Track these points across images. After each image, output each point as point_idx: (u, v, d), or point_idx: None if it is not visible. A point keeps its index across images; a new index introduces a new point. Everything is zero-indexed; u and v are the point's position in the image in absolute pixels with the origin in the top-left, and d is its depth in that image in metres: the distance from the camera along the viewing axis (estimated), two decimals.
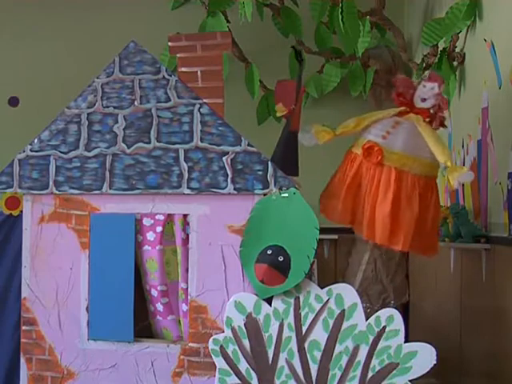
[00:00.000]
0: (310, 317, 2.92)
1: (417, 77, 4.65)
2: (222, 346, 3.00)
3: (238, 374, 2.98)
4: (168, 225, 3.20)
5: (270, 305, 2.96)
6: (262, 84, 5.52)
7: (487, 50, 3.84)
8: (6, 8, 5.93)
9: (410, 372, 2.80)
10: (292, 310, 2.94)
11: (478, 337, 3.91)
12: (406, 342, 2.83)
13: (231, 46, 3.49)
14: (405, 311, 5.10)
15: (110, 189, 3.14)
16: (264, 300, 2.97)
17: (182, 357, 3.10)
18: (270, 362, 2.95)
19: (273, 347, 2.95)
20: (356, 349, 2.86)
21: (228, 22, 5.22)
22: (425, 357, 2.79)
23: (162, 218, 3.18)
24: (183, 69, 3.21)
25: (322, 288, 2.94)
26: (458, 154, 4.36)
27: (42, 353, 3.21)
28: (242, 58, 5.48)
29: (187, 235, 3.16)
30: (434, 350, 2.79)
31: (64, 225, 3.21)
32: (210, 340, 3.02)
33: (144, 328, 3.28)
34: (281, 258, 2.94)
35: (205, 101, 3.13)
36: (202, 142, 3.09)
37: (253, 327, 2.97)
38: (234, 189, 3.04)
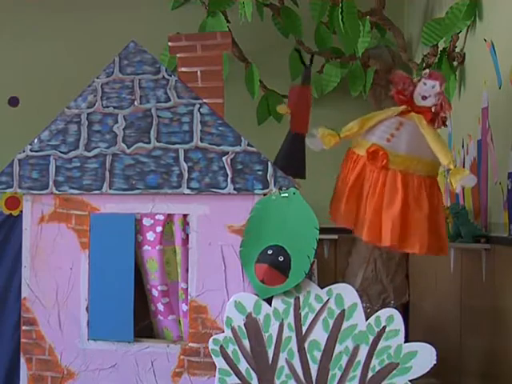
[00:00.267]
0: (310, 317, 2.92)
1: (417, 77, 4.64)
2: (222, 346, 3.00)
3: (238, 373, 2.98)
4: (168, 225, 3.20)
5: (270, 305, 2.97)
6: (261, 84, 5.51)
7: (487, 50, 3.84)
8: (5, 8, 5.93)
9: (410, 372, 2.80)
10: (292, 309, 2.94)
11: (478, 337, 3.91)
12: (406, 341, 2.83)
13: (231, 46, 3.49)
14: (405, 311, 5.10)
15: (110, 189, 3.14)
16: (264, 300, 2.97)
17: (181, 357, 3.10)
18: (270, 362, 2.95)
19: (273, 347, 2.95)
20: (356, 349, 2.86)
21: (228, 22, 5.22)
22: (425, 357, 2.79)
23: (161, 218, 3.18)
24: (183, 69, 3.21)
25: (322, 288, 2.94)
26: (458, 154, 4.36)
27: (42, 353, 3.21)
28: (242, 58, 5.48)
29: (187, 235, 3.16)
30: (433, 350, 2.79)
31: (64, 225, 3.21)
32: (210, 340, 3.02)
33: (144, 328, 3.28)
34: (281, 258, 2.94)
35: (205, 101, 3.13)
36: (201, 142, 3.09)
37: (253, 327, 2.97)
38: (234, 189, 3.04)
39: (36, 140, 3.23)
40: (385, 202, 3.12)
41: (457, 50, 4.33)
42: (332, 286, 2.93)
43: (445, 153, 3.13)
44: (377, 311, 2.89)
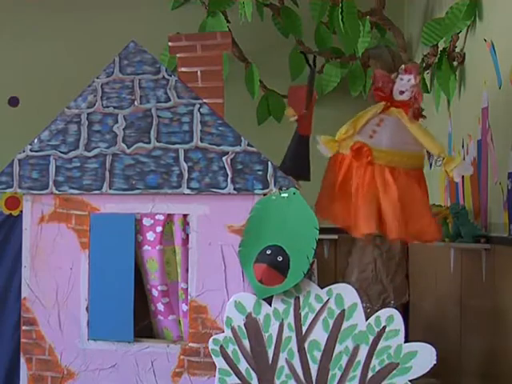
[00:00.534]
0: (310, 317, 2.92)
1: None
2: (222, 346, 3.00)
3: (238, 373, 2.98)
4: (168, 225, 3.20)
5: (270, 305, 2.96)
6: (262, 84, 5.52)
7: (487, 50, 3.84)
8: (5, 8, 5.94)
9: (410, 372, 2.80)
10: (292, 310, 2.94)
11: (478, 337, 3.91)
12: (406, 342, 2.83)
13: (231, 46, 3.49)
14: (405, 311, 5.08)
15: (110, 189, 3.14)
16: (264, 300, 2.97)
17: (182, 357, 3.10)
18: (270, 362, 2.95)
19: (273, 347, 2.95)
20: (356, 349, 2.86)
21: (228, 22, 5.22)
22: (425, 357, 2.79)
23: (161, 217, 3.18)
24: (183, 69, 3.21)
25: (322, 288, 2.93)
26: (458, 154, 4.36)
27: (42, 353, 3.21)
28: (242, 58, 5.48)
29: (187, 235, 3.16)
30: (433, 350, 2.79)
31: (64, 225, 3.21)
32: (210, 340, 3.02)
33: (144, 328, 3.28)
34: (280, 258, 2.94)
35: (205, 101, 3.12)
36: (201, 141, 3.09)
37: (253, 327, 2.97)
38: (234, 189, 3.04)
39: (36, 140, 3.23)
40: (380, 193, 3.16)
41: (457, 49, 4.33)
42: (332, 286, 2.93)
43: (433, 143, 3.20)
44: (377, 311, 2.89)
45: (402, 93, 3.26)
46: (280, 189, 3.02)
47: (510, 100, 3.58)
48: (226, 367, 2.99)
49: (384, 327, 2.84)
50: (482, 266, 3.80)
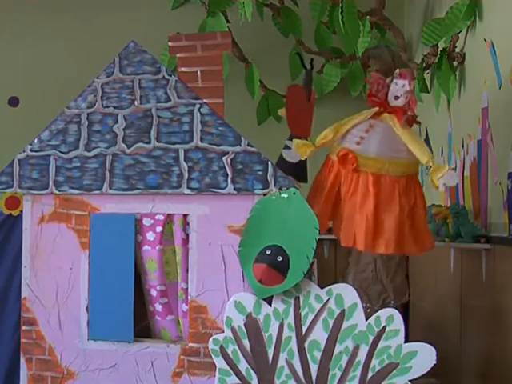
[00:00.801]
0: (310, 317, 2.92)
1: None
2: (222, 346, 3.00)
3: (238, 373, 2.98)
4: (168, 225, 3.20)
5: (270, 305, 2.96)
6: (262, 84, 5.52)
7: (487, 50, 3.84)
8: (5, 8, 5.94)
9: (410, 372, 2.80)
10: (292, 309, 2.94)
11: (478, 337, 3.91)
12: (406, 342, 2.83)
13: (231, 46, 3.49)
14: (405, 311, 5.10)
15: (110, 189, 3.14)
16: (264, 300, 2.97)
17: (181, 357, 3.10)
18: (270, 362, 2.95)
19: (273, 347, 2.95)
20: (356, 349, 2.86)
21: (228, 22, 5.23)
22: (425, 357, 2.79)
23: (161, 217, 3.18)
24: (183, 69, 3.21)
25: (322, 288, 2.93)
26: (458, 154, 4.36)
27: (42, 353, 3.21)
28: (242, 58, 5.49)
29: (187, 235, 3.16)
30: (433, 350, 2.79)
31: (64, 225, 3.21)
32: (210, 340, 3.02)
33: (144, 328, 3.27)
34: (279, 258, 2.94)
35: (205, 101, 3.12)
36: (202, 141, 3.09)
37: (253, 327, 2.97)
38: (234, 189, 3.04)
39: (36, 140, 3.23)
40: (358, 204, 3.12)
41: (457, 49, 4.33)
42: (332, 286, 2.93)
43: (422, 151, 3.11)
44: (377, 311, 2.89)
45: (396, 98, 3.18)
46: (280, 189, 3.02)
47: (510, 100, 3.58)
48: (226, 367, 2.99)
49: (384, 327, 2.84)
50: (482, 266, 3.80)
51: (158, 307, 3.22)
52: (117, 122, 3.17)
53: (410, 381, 2.81)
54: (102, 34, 5.80)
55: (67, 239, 3.20)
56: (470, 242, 3.84)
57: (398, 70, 3.28)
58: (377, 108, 3.21)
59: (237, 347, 2.98)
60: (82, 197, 3.19)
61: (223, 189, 3.04)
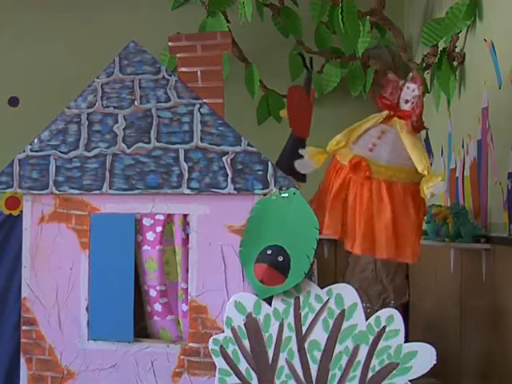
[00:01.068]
0: (310, 317, 2.92)
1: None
2: (222, 346, 3.00)
3: (238, 373, 2.98)
4: (168, 225, 3.20)
5: (270, 305, 2.97)
6: (262, 84, 5.52)
7: (487, 50, 3.84)
8: (5, 8, 5.94)
9: (410, 372, 2.80)
10: (292, 309, 2.94)
11: (478, 337, 3.91)
12: (406, 342, 2.83)
13: (231, 46, 3.49)
14: (405, 311, 5.10)
15: (110, 189, 3.14)
16: (264, 300, 2.97)
17: (181, 357, 3.10)
18: (270, 362, 2.95)
19: (273, 347, 2.95)
20: (356, 349, 2.86)
21: (228, 22, 5.22)
22: (425, 357, 2.79)
23: (161, 217, 3.18)
24: (183, 69, 3.21)
25: (321, 288, 2.94)
26: (458, 154, 4.36)
27: (42, 353, 3.21)
28: (242, 58, 5.48)
29: (187, 235, 3.16)
30: (433, 350, 2.79)
31: (64, 225, 3.21)
32: (210, 340, 3.02)
33: (143, 328, 3.27)
34: (280, 258, 2.94)
35: (205, 101, 3.13)
36: (202, 141, 3.09)
37: (253, 327, 2.97)
38: (234, 189, 3.04)
39: (36, 140, 3.23)
40: (374, 212, 3.08)
41: (457, 49, 4.33)
42: (332, 286, 2.93)
43: (419, 159, 3.05)
44: (377, 311, 2.89)
45: (406, 102, 3.15)
46: (280, 189, 3.02)
47: (510, 100, 3.58)
48: (226, 367, 2.99)
49: (384, 327, 2.84)
50: (482, 266, 3.80)
51: (158, 307, 3.22)
52: (117, 122, 3.17)
53: (410, 381, 2.81)
54: (102, 33, 5.80)
55: (67, 239, 3.20)
56: (469, 242, 3.84)
57: (411, 73, 3.24)
58: (387, 112, 3.17)
59: (237, 347, 2.98)
60: (82, 197, 3.19)
61: (223, 189, 3.04)
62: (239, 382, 2.97)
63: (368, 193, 3.09)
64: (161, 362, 3.11)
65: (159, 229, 3.18)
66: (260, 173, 3.03)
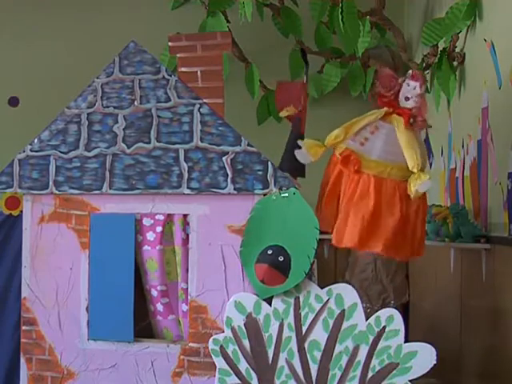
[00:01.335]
0: (310, 317, 2.92)
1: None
2: (222, 346, 3.00)
3: (238, 373, 2.98)
4: (168, 225, 3.20)
5: (270, 305, 2.97)
6: (262, 84, 5.52)
7: (487, 50, 3.84)
8: (5, 8, 5.94)
9: (410, 372, 2.80)
10: (292, 309, 2.94)
11: (477, 336, 3.91)
12: (406, 341, 2.83)
13: (231, 46, 3.49)
14: (405, 311, 5.10)
15: (110, 189, 3.14)
16: (264, 300, 2.97)
17: (182, 357, 3.10)
18: (270, 362, 2.95)
19: (273, 347, 2.95)
20: (356, 349, 2.86)
21: (228, 22, 5.23)
22: (425, 357, 2.79)
23: (161, 217, 3.18)
24: (183, 69, 3.21)
25: (322, 288, 2.94)
26: (458, 154, 4.36)
27: (42, 353, 3.21)
28: (242, 58, 5.49)
29: (187, 235, 3.16)
30: (433, 350, 2.79)
31: (64, 225, 3.21)
32: (210, 340, 3.02)
33: (144, 328, 3.28)
34: (281, 258, 2.94)
35: (205, 101, 3.13)
36: (202, 141, 3.09)
37: (253, 327, 2.97)
38: (234, 189, 3.04)
39: (36, 140, 3.23)
40: (355, 206, 3.09)
41: (457, 49, 4.33)
42: (332, 286, 2.93)
43: (411, 156, 3.05)
44: (377, 311, 2.89)
45: (407, 99, 3.14)
46: (280, 189, 3.02)
47: (510, 100, 3.58)
48: (226, 367, 2.99)
49: (384, 327, 2.84)
50: (482, 266, 3.80)
51: (160, 307, 3.22)
52: (117, 121, 3.17)
53: (410, 381, 2.81)
54: (102, 34, 5.80)
55: (67, 239, 3.20)
56: (470, 242, 3.84)
57: (410, 71, 3.24)
58: (386, 108, 3.17)
59: (237, 347, 2.98)
60: (82, 197, 3.19)
61: (223, 189, 3.05)
62: (239, 381, 2.97)
63: (354, 186, 3.10)
64: (161, 361, 3.11)
65: (159, 229, 3.18)
66: (260, 173, 3.03)
